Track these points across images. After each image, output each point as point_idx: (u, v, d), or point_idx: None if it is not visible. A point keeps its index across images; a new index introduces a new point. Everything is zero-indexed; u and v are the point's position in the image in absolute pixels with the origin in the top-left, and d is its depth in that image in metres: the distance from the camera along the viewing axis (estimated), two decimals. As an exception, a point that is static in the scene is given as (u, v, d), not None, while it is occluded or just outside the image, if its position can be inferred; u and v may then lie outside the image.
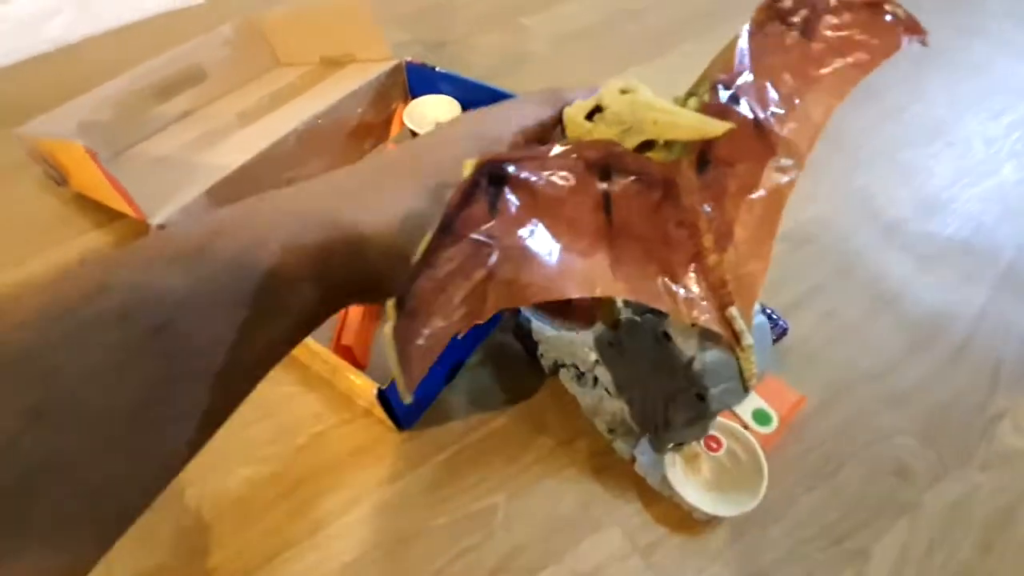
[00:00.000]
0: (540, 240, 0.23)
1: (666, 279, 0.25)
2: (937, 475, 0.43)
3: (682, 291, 0.25)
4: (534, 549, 0.40)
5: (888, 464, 0.43)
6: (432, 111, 0.63)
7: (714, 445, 0.41)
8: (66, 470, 0.19)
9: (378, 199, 0.26)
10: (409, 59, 0.65)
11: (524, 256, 0.23)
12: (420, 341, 0.22)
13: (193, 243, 0.23)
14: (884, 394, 0.47)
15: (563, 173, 0.24)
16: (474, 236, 0.23)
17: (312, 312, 0.25)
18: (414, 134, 0.62)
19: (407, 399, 0.21)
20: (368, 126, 0.64)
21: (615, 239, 0.24)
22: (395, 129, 0.65)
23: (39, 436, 0.19)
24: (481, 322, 0.22)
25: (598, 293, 0.23)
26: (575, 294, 0.23)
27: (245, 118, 0.61)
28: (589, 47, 0.82)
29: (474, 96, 0.62)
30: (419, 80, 0.65)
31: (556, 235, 0.24)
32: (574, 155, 0.24)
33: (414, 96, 0.66)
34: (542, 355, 0.45)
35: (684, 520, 0.41)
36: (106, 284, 0.21)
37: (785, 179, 0.25)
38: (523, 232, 0.23)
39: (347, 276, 0.25)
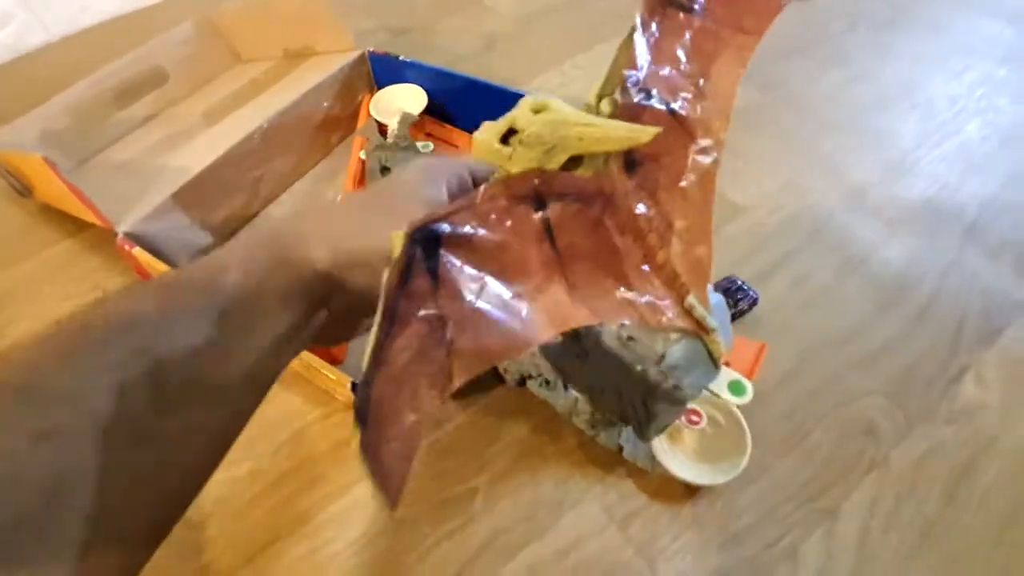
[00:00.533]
0: (492, 294, 0.22)
1: (623, 288, 0.25)
2: (903, 433, 0.44)
3: (643, 297, 0.25)
4: (516, 529, 0.41)
5: (857, 425, 0.45)
6: (398, 100, 0.63)
7: (695, 418, 0.42)
8: (77, 491, 0.20)
9: (351, 234, 0.27)
10: (371, 49, 0.64)
11: (481, 319, 0.22)
12: (394, 445, 0.21)
13: (172, 275, 0.25)
14: (854, 356, 0.48)
15: (495, 216, 0.23)
16: (423, 314, 0.21)
17: (286, 329, 0.26)
18: (380, 125, 0.61)
19: (393, 510, 0.20)
20: (334, 119, 0.64)
21: (565, 265, 0.24)
22: (362, 120, 0.65)
23: (45, 458, 0.20)
24: (452, 394, 0.21)
25: (566, 328, 0.22)
26: (544, 339, 0.22)
27: (209, 118, 0.61)
28: (556, 25, 0.81)
29: (440, 84, 0.62)
30: (384, 70, 0.65)
31: (507, 281, 0.23)
32: (503, 194, 0.23)
33: (380, 86, 0.65)
34: (505, 370, 0.44)
35: (660, 490, 0.42)
36: (95, 315, 0.23)
37: (708, 160, 0.26)
38: (472, 292, 0.22)
39: (318, 297, 0.26)
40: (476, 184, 0.30)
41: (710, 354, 0.30)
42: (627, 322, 0.26)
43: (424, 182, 0.29)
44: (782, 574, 0.38)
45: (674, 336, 0.28)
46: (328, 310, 0.27)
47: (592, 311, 0.24)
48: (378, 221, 0.26)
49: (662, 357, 0.29)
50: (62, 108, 0.58)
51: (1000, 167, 0.61)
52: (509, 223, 0.23)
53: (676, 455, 0.41)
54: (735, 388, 0.44)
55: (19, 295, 0.54)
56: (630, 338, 0.30)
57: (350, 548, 0.40)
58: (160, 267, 0.46)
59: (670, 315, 0.27)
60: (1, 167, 0.58)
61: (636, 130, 0.25)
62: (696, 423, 0.42)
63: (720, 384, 0.44)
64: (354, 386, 0.41)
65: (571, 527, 0.41)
